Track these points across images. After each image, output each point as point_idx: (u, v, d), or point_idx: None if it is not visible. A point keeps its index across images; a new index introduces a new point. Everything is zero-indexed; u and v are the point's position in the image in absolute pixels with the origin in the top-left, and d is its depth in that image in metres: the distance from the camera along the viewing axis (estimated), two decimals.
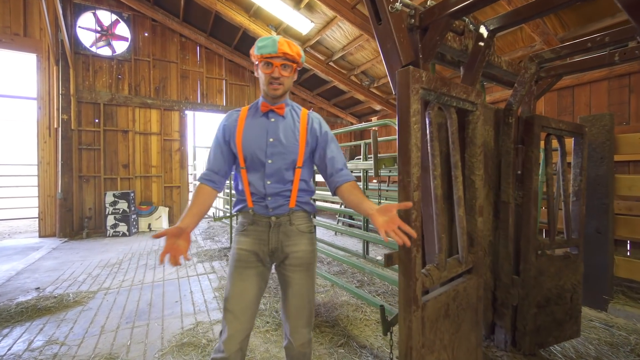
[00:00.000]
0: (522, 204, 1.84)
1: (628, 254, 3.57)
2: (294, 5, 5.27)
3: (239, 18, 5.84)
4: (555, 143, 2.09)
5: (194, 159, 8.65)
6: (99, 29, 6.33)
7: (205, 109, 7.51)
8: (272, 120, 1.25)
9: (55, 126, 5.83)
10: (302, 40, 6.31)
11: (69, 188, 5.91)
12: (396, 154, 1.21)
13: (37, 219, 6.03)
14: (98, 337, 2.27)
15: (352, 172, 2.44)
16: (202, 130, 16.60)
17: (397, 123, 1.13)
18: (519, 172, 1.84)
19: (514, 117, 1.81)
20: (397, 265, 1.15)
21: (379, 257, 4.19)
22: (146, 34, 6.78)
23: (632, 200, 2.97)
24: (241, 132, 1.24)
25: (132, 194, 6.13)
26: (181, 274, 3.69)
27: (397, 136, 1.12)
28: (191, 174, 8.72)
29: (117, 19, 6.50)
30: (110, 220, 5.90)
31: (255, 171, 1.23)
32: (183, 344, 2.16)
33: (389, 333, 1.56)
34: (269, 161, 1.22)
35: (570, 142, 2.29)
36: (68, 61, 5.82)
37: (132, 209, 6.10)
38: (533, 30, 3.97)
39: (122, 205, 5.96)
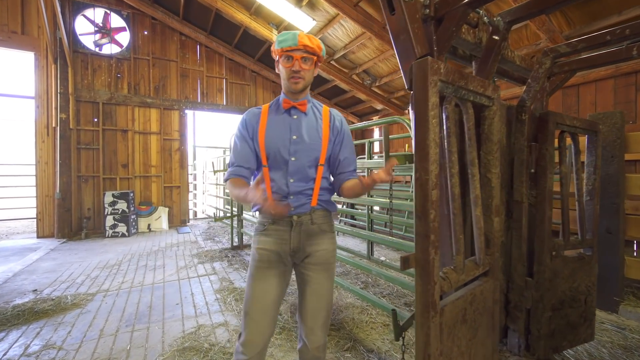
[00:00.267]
0: (535, 204, 1.78)
1: (634, 254, 3.52)
2: (296, 2, 5.21)
3: (240, 16, 5.78)
4: (568, 141, 2.03)
5: (194, 158, 8.58)
6: (98, 27, 6.25)
7: (205, 108, 7.44)
8: (295, 117, 1.23)
9: (54, 125, 5.76)
10: None
11: (68, 188, 5.84)
12: (405, 152, 1.15)
13: (35, 220, 5.96)
14: (97, 341, 2.21)
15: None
16: (202, 129, 16.52)
17: (413, 118, 1.06)
18: (533, 170, 1.78)
19: (528, 114, 1.75)
20: (397, 265, 1.09)
21: (383, 258, 4.13)
22: (146, 33, 6.71)
23: None
24: (264, 129, 1.21)
25: (131, 194, 6.05)
26: (182, 276, 3.62)
27: (413, 132, 1.06)
28: (191, 174, 8.64)
29: (116, 17, 6.43)
30: (110, 221, 5.82)
31: (277, 169, 1.20)
32: (185, 348, 2.09)
33: (400, 338, 1.50)
34: (292, 159, 1.19)
35: (582, 140, 2.23)
36: (66, 60, 5.75)
37: (132, 209, 6.03)
38: (539, 28, 3.92)
39: (122, 205, 5.89)
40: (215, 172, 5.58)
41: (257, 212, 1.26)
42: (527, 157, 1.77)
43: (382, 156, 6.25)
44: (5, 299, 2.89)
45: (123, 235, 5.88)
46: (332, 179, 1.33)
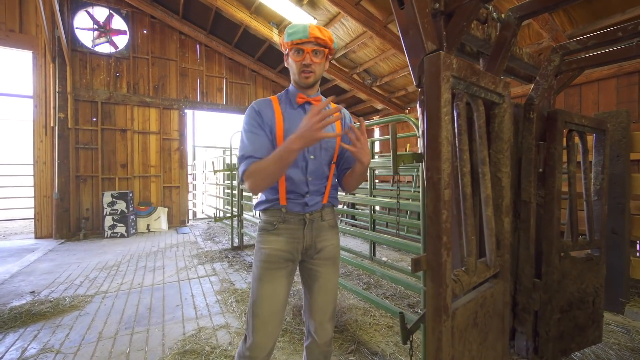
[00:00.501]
0: (543, 204, 1.75)
1: (638, 254, 3.50)
2: (297, 1, 5.17)
3: (240, 15, 5.73)
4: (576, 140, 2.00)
5: (194, 158, 8.53)
6: (96, 26, 6.21)
7: (205, 108, 7.40)
8: None
9: (52, 125, 5.71)
10: None
11: (66, 188, 5.78)
12: (406, 152, 1.11)
13: (32, 220, 5.90)
14: (95, 344, 2.16)
15: None
16: (201, 129, 16.48)
17: (422, 115, 1.03)
18: (541, 170, 1.75)
19: (536, 112, 1.71)
20: (409, 268, 1.05)
21: (385, 259, 4.10)
22: (145, 31, 6.67)
23: None
24: (282, 124, 1.14)
25: (130, 194, 6.00)
26: (182, 277, 3.58)
27: (423, 130, 1.02)
28: (190, 174, 8.60)
29: (115, 15, 6.38)
30: (108, 221, 5.77)
31: (295, 167, 1.16)
32: (185, 351, 2.05)
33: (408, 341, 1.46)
34: (312, 157, 1.17)
35: (589, 140, 2.20)
36: (65, 58, 5.70)
37: (131, 209, 5.98)
38: (542, 27, 3.89)
39: (121, 205, 5.84)
40: (215, 172, 5.54)
41: (262, 211, 1.22)
42: (535, 157, 1.74)
43: (382, 155, 6.22)
44: (2, 301, 2.84)
45: (122, 235, 5.83)
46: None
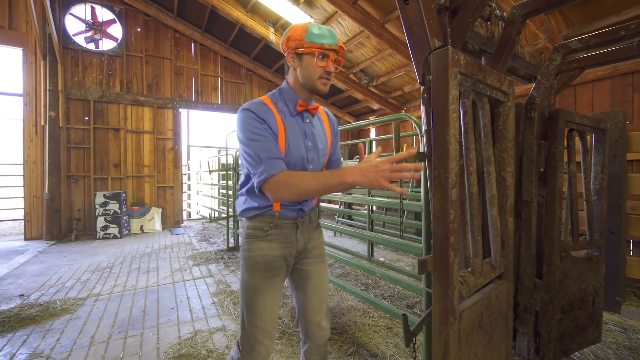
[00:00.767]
0: (545, 204, 1.74)
1: (631, 253, 3.53)
2: (294, 0, 5.13)
3: (236, 13, 5.68)
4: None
5: (188, 158, 8.43)
6: (89, 22, 6.09)
7: (200, 107, 7.31)
8: (307, 121, 1.16)
9: (42, 123, 5.58)
10: None
11: (57, 188, 5.66)
12: (415, 151, 1.08)
13: (22, 221, 5.76)
14: (87, 349, 2.10)
15: None
16: (196, 129, 16.32)
17: (425, 114, 1.00)
18: (542, 169, 1.74)
19: (537, 112, 1.70)
20: (407, 268, 1.02)
21: (382, 259, 4.08)
22: (139, 29, 6.57)
23: None
24: (284, 135, 1.07)
25: (123, 195, 5.90)
26: (176, 278, 3.52)
27: (430, 128, 0.99)
28: (185, 174, 8.49)
29: (108, 12, 6.27)
30: (101, 222, 5.66)
31: None
32: (181, 355, 2.00)
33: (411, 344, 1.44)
34: (310, 166, 1.13)
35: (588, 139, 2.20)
36: (56, 56, 5.58)
37: (124, 210, 5.87)
38: (538, 28, 3.91)
39: (113, 206, 5.73)
40: (210, 172, 5.47)
41: (250, 218, 1.14)
42: (536, 156, 1.73)
43: (380, 156, 6.20)
44: None
45: (115, 236, 5.72)
46: None
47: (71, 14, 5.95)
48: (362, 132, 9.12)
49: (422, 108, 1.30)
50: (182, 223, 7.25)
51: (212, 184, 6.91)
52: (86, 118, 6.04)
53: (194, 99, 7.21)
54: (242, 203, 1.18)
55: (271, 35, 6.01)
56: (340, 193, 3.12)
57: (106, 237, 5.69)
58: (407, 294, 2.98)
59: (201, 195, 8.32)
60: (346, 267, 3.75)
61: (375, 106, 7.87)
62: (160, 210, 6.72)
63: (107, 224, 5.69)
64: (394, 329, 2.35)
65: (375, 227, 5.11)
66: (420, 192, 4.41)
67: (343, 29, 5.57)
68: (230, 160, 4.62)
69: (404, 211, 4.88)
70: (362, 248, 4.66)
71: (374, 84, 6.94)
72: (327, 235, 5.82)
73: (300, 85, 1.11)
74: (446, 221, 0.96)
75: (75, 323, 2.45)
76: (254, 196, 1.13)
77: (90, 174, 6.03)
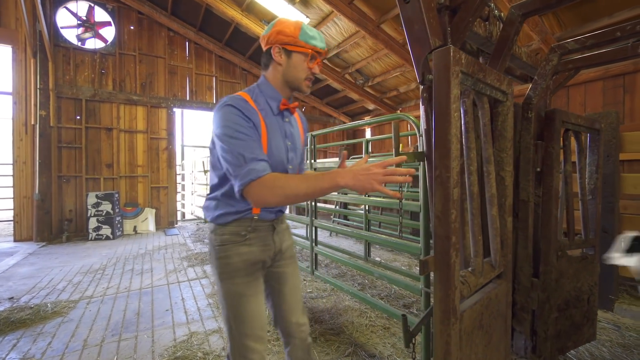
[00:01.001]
0: (541, 203, 1.75)
1: None
2: None
3: (231, 12, 5.64)
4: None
5: (182, 158, 8.35)
6: (81, 20, 5.99)
7: (194, 107, 7.24)
8: (287, 120, 1.14)
9: (33, 123, 5.47)
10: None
11: (47, 189, 5.55)
12: (415, 151, 1.08)
13: (11, 222, 5.64)
14: (80, 352, 2.05)
15: None
16: (190, 128, 16.19)
17: (432, 112, 1.00)
18: (538, 169, 1.75)
19: (534, 112, 1.72)
20: (404, 268, 1.02)
21: (378, 259, 4.08)
22: (132, 27, 6.48)
23: (638, 200, 2.93)
24: (266, 135, 1.03)
25: (116, 195, 5.81)
26: (171, 280, 3.47)
27: (433, 126, 0.99)
28: (179, 174, 8.40)
29: (100, 10, 6.17)
30: (93, 223, 5.56)
31: None
32: (176, 357, 1.97)
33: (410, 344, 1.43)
34: (290, 167, 1.12)
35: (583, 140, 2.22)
36: (47, 54, 5.47)
37: (117, 210, 5.79)
38: (532, 29, 3.96)
39: (106, 206, 5.64)
40: (205, 172, 5.41)
41: (227, 223, 1.07)
42: (533, 156, 1.74)
43: (374, 155, 6.21)
44: None
45: (107, 238, 5.63)
46: None
47: (63, 11, 5.84)
48: (357, 132, 9.13)
49: (422, 108, 1.30)
50: (177, 224, 7.18)
51: (206, 184, 6.84)
52: (78, 117, 5.94)
53: (188, 99, 7.14)
54: (213, 208, 1.08)
55: None
56: (336, 193, 3.11)
57: (98, 238, 5.60)
58: (404, 294, 2.98)
59: (195, 196, 8.23)
60: (342, 267, 3.74)
61: (371, 106, 7.89)
62: (154, 210, 6.64)
63: (100, 225, 5.59)
64: (392, 329, 2.35)
65: (371, 227, 5.12)
66: (416, 192, 4.43)
67: (339, 29, 5.57)
68: None
69: (396, 210, 4.89)
70: (358, 248, 4.65)
71: (370, 84, 6.95)
72: (323, 236, 5.81)
73: (282, 82, 1.08)
74: (448, 221, 0.96)
75: (67, 326, 2.40)
76: (232, 200, 1.05)
77: (82, 174, 5.93)
